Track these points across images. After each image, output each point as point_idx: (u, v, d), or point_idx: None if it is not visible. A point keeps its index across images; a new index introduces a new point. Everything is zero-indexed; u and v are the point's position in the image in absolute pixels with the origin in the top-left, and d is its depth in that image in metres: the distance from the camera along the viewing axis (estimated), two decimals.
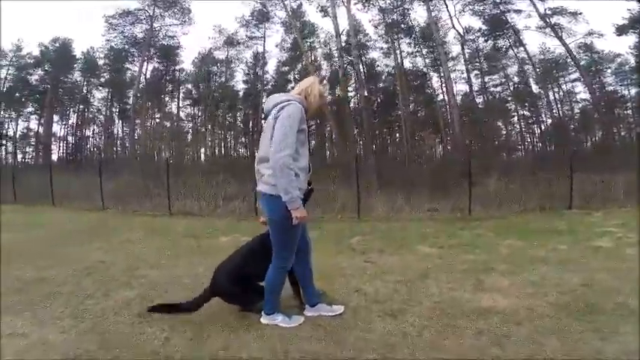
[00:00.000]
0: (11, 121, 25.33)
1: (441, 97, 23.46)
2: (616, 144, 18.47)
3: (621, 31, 18.42)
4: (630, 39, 18.84)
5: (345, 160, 14.21)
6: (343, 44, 17.67)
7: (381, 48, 23.34)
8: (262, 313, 2.24)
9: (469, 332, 2.09)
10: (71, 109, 26.43)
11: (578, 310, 2.35)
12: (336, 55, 18.99)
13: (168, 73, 25.83)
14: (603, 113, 19.36)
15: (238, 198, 9.76)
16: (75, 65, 25.32)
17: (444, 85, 22.02)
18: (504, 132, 24.25)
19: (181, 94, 26.66)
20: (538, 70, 21.42)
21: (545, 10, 18.94)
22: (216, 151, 26.52)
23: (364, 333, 2.10)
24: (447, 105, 21.04)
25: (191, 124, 27.08)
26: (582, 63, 19.83)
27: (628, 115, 21.26)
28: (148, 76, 24.89)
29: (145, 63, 24.19)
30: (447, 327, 2.16)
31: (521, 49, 21.17)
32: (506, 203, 9.03)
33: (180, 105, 26.72)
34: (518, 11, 19.96)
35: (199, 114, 26.75)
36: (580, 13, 18.69)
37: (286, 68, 25.25)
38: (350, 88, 21.50)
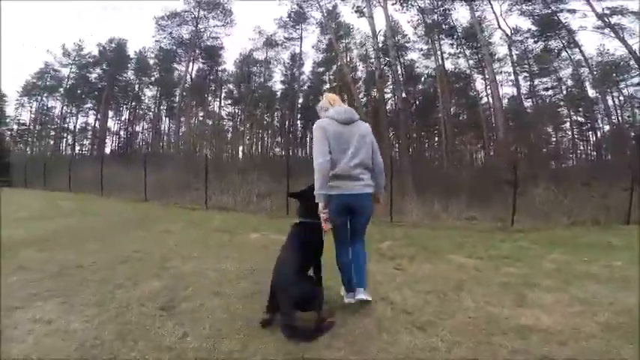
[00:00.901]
0: (72, 115, 27.79)
1: (485, 100, 22.37)
2: None
3: None
4: None
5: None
6: (380, 45, 17.37)
7: (421, 49, 22.73)
8: (346, 292, 2.42)
9: (504, 351, 1.92)
10: (124, 106, 28.45)
11: (631, 332, 2.11)
12: (373, 56, 18.71)
13: (211, 73, 26.94)
14: None
15: (271, 196, 9.93)
16: (129, 65, 27.21)
17: (488, 87, 20.97)
18: (554, 139, 22.58)
19: (223, 94, 27.71)
20: (595, 73, 19.68)
21: (602, 9, 17.32)
22: (254, 149, 27.24)
23: (388, 345, 1.97)
24: (492, 108, 19.98)
25: (231, 123, 28.08)
26: None
27: None
28: (194, 75, 26.15)
29: (191, 63, 25.45)
30: (479, 344, 1.99)
31: (576, 50, 19.58)
32: (553, 215, 8.41)
33: (222, 104, 27.78)
34: (572, 11, 18.48)
35: (239, 113, 27.63)
36: None
37: (322, 69, 25.35)
38: (387, 90, 21.08)
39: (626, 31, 17.18)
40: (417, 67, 23.65)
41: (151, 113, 28.51)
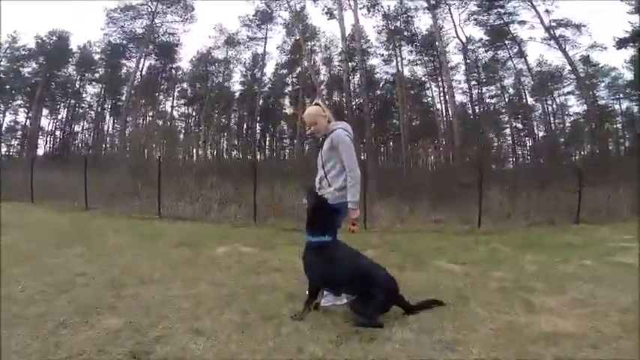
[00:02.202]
0: None
1: (437, 106, 23.41)
2: (607, 157, 18.67)
3: (621, 44, 18.46)
4: (629, 52, 18.96)
5: None
6: (347, 48, 17.50)
7: (382, 55, 23.21)
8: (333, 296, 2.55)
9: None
10: (62, 104, 25.62)
11: None
12: (336, 59, 18.74)
13: (165, 70, 25.24)
14: (595, 127, 19.42)
15: (233, 202, 9.25)
16: (70, 59, 24.63)
17: (441, 94, 21.97)
18: (496, 143, 24.25)
19: (176, 93, 26.09)
20: (535, 82, 21.50)
21: (550, 22, 18.97)
22: (209, 152, 25.92)
23: None
24: (445, 114, 20.92)
25: (184, 124, 26.53)
26: (581, 76, 19.97)
27: (617, 129, 21.57)
28: (144, 73, 24.35)
29: (143, 59, 23.67)
30: (519, 355, 1.89)
31: (521, 60, 21.22)
32: (512, 216, 8.79)
33: (175, 104, 26.13)
34: (522, 22, 20.02)
35: (193, 114, 26.18)
36: (584, 26, 18.77)
37: (284, 71, 24.89)
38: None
39: (568, 42, 19.02)
40: (377, 72, 24.14)
41: (92, 112, 25.97)
